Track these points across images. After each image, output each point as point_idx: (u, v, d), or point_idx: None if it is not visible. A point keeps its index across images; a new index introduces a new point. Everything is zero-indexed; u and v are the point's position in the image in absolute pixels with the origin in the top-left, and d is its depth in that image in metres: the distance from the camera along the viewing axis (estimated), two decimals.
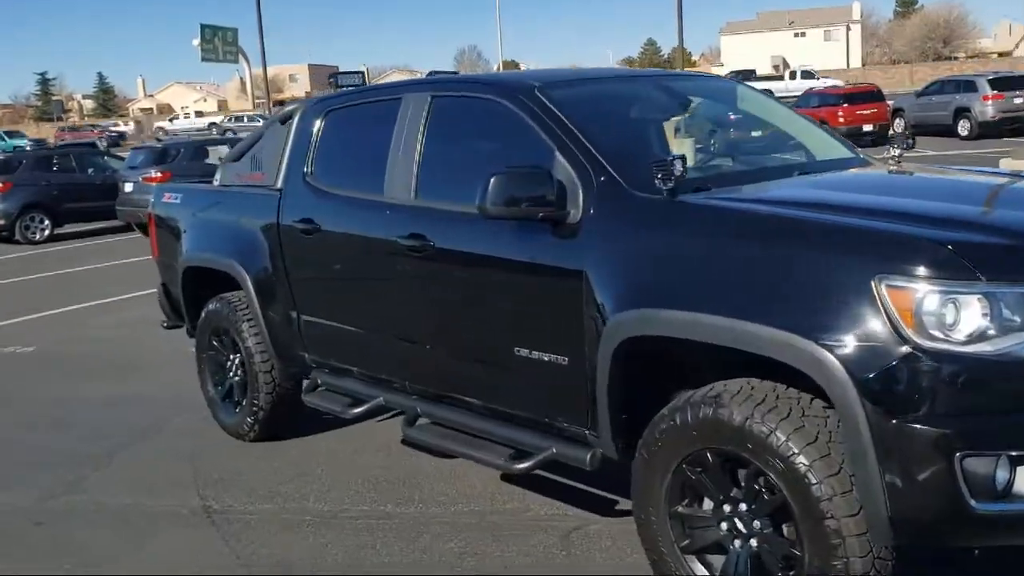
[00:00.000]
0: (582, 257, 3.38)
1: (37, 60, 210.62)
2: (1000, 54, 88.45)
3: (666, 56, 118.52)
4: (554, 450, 3.68)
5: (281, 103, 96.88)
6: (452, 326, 4.05)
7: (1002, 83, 27.07)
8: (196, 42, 75.26)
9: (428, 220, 4.09)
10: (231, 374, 5.61)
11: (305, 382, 5.08)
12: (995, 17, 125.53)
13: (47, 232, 17.77)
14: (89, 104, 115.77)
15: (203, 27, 62.84)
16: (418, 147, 4.24)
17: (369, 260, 4.44)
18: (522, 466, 3.73)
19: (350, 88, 5.30)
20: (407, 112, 4.34)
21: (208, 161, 17.39)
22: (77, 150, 19.71)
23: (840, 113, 27.28)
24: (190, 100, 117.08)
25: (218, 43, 77.17)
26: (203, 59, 75.96)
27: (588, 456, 3.54)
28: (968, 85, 27.61)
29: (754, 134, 4.46)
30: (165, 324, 6.41)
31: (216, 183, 5.81)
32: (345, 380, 4.84)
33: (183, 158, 16.88)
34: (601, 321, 3.28)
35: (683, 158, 3.28)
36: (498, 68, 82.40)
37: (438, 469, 4.93)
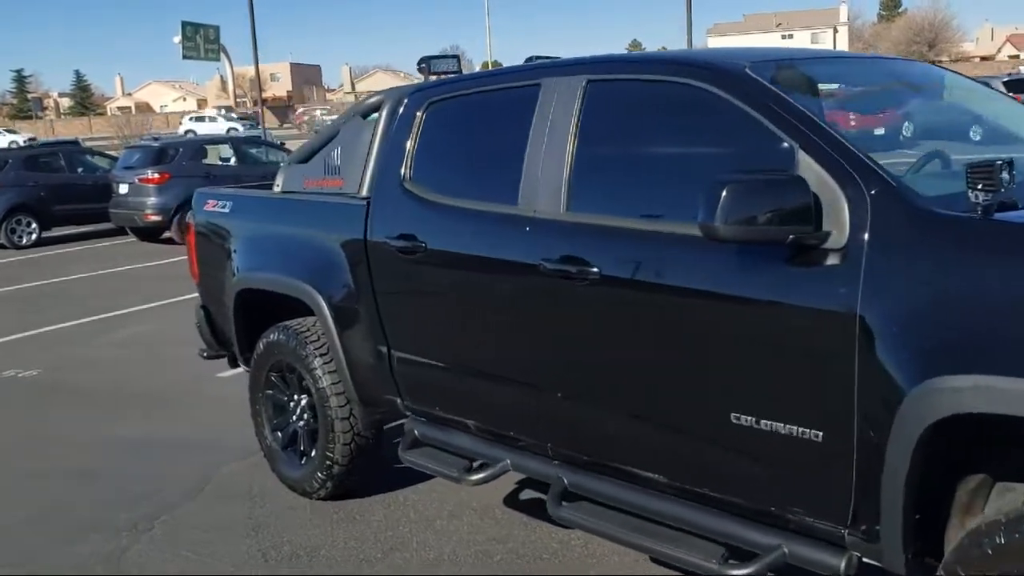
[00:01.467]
0: (854, 296, 2.47)
1: (12, 57, 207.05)
2: (983, 58, 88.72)
3: None
4: (785, 550, 2.77)
5: (263, 102, 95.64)
6: (627, 378, 3.13)
7: (1018, 85, 26.45)
8: (177, 39, 73.94)
9: (589, 239, 3.18)
10: (296, 418, 4.67)
11: (397, 434, 4.14)
12: (978, 21, 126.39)
13: (34, 236, 16.67)
14: (66, 102, 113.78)
15: (184, 24, 61.74)
16: (569, 146, 3.32)
17: (496, 288, 3.52)
18: (744, 572, 2.81)
19: (449, 75, 4.37)
20: (550, 102, 3.42)
21: (206, 161, 16.38)
22: (66, 148, 18.61)
23: (851, 117, 26.48)
24: (169, 99, 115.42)
25: (199, 40, 75.98)
26: (184, 56, 74.63)
27: (843, 562, 2.64)
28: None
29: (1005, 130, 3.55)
30: (205, 354, 5.45)
31: (277, 189, 4.87)
32: (453, 434, 3.92)
33: (183, 158, 15.81)
34: (892, 387, 2.38)
35: (1010, 163, 2.38)
36: (488, 67, 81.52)
37: (564, 544, 4.01)
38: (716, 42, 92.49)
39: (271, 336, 4.62)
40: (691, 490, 3.00)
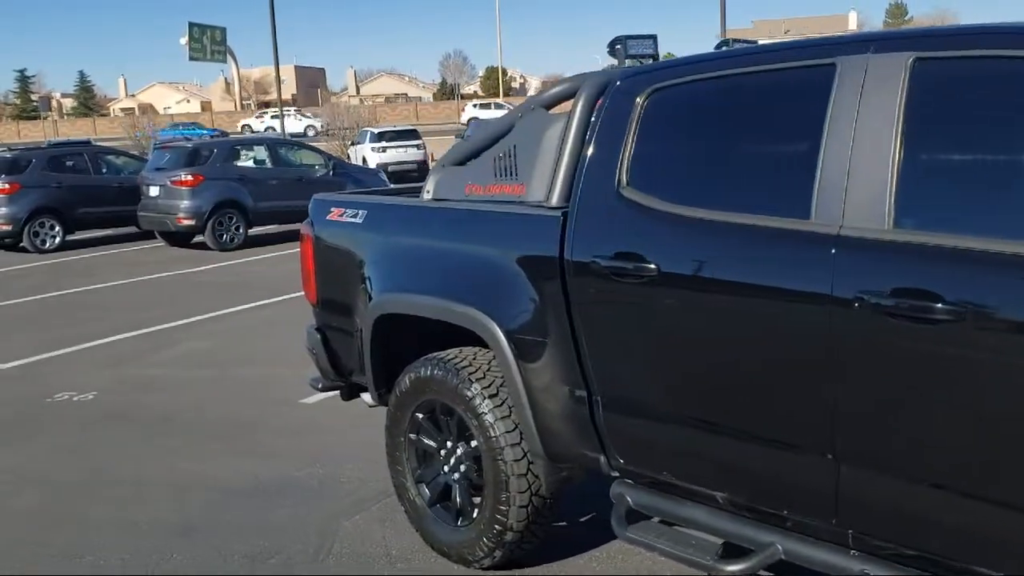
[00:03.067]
0: None
1: (15, 57, 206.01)
2: None
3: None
4: None
5: (267, 104, 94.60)
6: (1002, 453, 2.35)
7: None
8: (184, 40, 73.64)
9: (939, 268, 2.41)
10: (449, 470, 3.88)
11: (613, 506, 3.32)
12: None
13: (58, 240, 15.86)
14: (69, 103, 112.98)
15: (191, 25, 61.11)
16: (893, 144, 2.54)
17: (775, 326, 2.74)
18: None
19: (646, 58, 3.60)
20: (855, 86, 2.64)
21: (240, 163, 15.62)
22: (90, 149, 17.79)
23: None
24: (172, 101, 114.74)
25: (206, 42, 75.58)
26: (191, 58, 74.34)
27: None
28: None
29: None
30: (320, 385, 4.66)
31: (427, 196, 4.09)
32: (686, 506, 3.12)
33: (216, 159, 15.02)
34: None
35: None
36: (500, 73, 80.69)
37: None
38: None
39: (421, 371, 3.83)
40: None
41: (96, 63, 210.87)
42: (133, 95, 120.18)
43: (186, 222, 14.57)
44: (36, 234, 15.67)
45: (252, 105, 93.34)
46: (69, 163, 16.56)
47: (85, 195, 16.11)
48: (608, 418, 3.26)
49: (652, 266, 3.01)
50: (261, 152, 15.95)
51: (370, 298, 4.04)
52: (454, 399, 3.70)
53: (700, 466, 3.05)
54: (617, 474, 3.34)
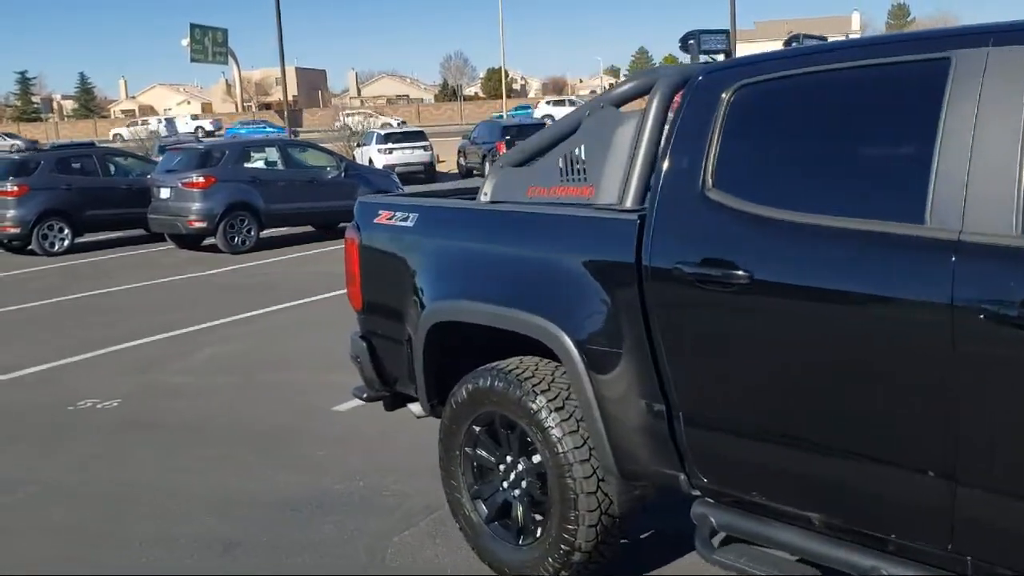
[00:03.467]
0: None
1: (16, 59, 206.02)
2: None
3: (658, 64, 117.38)
4: None
5: (267, 106, 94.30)
6: None
7: None
8: (185, 42, 73.35)
9: None
10: (509, 486, 3.70)
11: (701, 528, 3.13)
12: None
13: (67, 242, 15.69)
14: (70, 104, 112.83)
15: (193, 27, 60.90)
16: (1020, 142, 2.37)
17: (888, 339, 2.56)
18: None
19: (718, 53, 3.43)
20: (974, 82, 2.46)
21: (251, 165, 15.45)
22: (99, 150, 17.56)
23: None
24: (173, 102, 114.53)
25: (208, 43, 75.30)
26: (192, 59, 74.03)
27: None
28: None
29: None
30: (365, 395, 4.48)
31: (485, 198, 3.92)
32: (777, 528, 2.94)
33: (228, 161, 14.85)
34: None
35: None
36: (503, 75, 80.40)
37: None
38: (740, 49, 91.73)
39: (480, 381, 3.66)
40: None
41: (97, 64, 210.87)
42: (134, 96, 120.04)
43: (197, 224, 14.41)
44: (45, 236, 15.51)
45: (253, 107, 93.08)
46: (77, 165, 16.39)
47: (94, 197, 15.94)
48: (690, 434, 3.08)
49: (743, 273, 2.83)
50: (273, 154, 15.76)
51: (422, 305, 3.87)
52: (516, 412, 3.53)
53: (794, 486, 2.87)
54: (698, 493, 3.16)
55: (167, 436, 5.87)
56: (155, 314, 9.94)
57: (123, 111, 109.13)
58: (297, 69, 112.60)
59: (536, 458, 3.54)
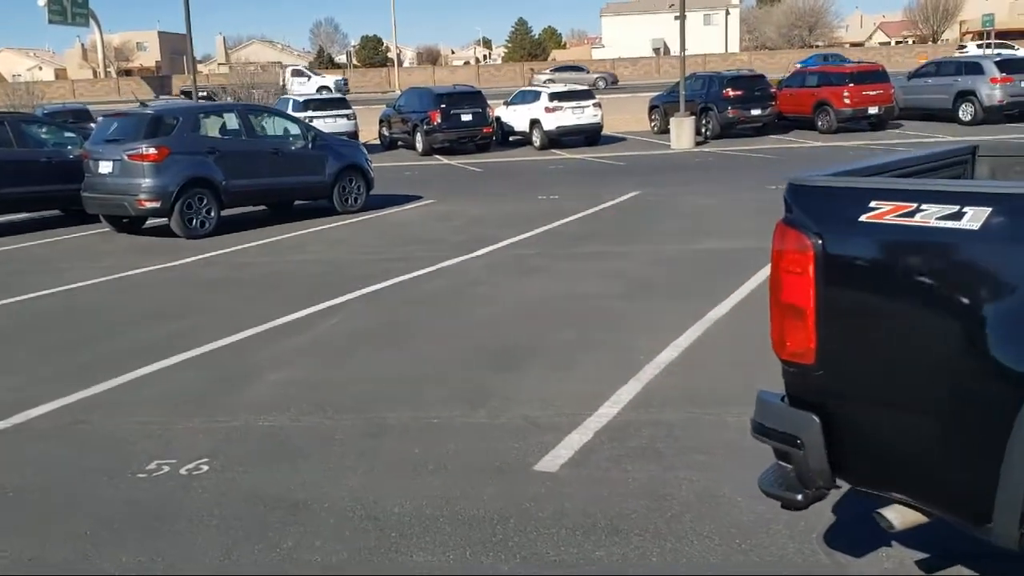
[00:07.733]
0: None
1: None
2: (852, 44, 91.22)
3: (536, 36, 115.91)
4: None
5: (128, 72, 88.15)
6: None
7: (1008, 65, 25.58)
8: (42, 2, 67.37)
9: None
10: None
11: None
12: (849, 8, 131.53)
13: None
14: None
15: None
16: None
17: None
18: None
19: None
20: None
21: (209, 133, 13.08)
22: (11, 118, 14.70)
23: (846, 94, 25.00)
24: (23, 68, 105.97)
25: (67, 4, 69.38)
26: (50, 21, 68.16)
27: None
28: (973, 67, 26.00)
29: None
30: (799, 498, 2.82)
31: None
32: None
33: (183, 129, 12.50)
34: None
35: None
36: (395, 49, 77.01)
37: None
38: (610, 22, 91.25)
39: None
40: None
41: None
42: None
43: (149, 204, 12.09)
44: None
45: (113, 73, 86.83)
46: None
47: (8, 172, 13.33)
48: None
49: None
50: (232, 120, 13.44)
51: (999, 369, 2.25)
52: None
53: None
54: None
55: (310, 519, 4.01)
56: (156, 323, 7.80)
57: None
58: (160, 33, 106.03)
59: None
